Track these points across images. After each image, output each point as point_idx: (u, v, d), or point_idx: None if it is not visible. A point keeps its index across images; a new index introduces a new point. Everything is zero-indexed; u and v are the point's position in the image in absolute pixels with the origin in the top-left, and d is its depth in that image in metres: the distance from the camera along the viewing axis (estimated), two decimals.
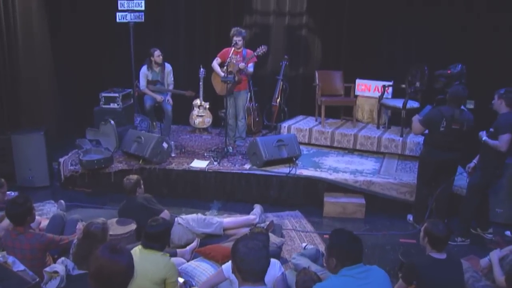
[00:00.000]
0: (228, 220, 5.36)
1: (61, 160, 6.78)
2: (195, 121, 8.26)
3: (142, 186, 5.33)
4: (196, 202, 6.39)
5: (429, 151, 5.53)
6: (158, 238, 3.82)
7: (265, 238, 4.07)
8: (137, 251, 3.81)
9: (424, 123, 5.47)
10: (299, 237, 5.49)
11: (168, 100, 7.65)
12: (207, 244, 4.82)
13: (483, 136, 5.12)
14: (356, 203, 6.06)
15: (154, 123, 7.94)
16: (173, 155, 6.95)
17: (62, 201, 5.77)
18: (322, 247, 5.13)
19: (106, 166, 6.58)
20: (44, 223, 4.98)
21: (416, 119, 5.61)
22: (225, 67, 6.94)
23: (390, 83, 7.66)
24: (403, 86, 7.44)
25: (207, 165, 6.57)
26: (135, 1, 7.76)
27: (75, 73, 8.30)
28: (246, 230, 5.11)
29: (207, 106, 8.22)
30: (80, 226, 4.37)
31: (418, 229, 5.55)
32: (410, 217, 5.94)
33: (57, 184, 6.84)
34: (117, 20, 7.76)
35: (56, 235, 4.33)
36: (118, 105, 7.41)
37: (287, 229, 5.66)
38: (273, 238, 4.87)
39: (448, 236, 3.58)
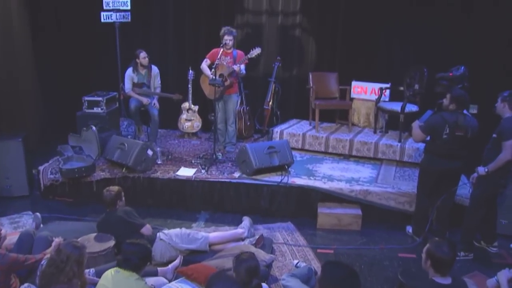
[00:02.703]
0: (214, 235, 5.01)
1: (41, 168, 6.45)
2: (184, 126, 7.92)
3: (123, 198, 4.99)
4: (182, 213, 6.09)
5: (430, 159, 5.20)
6: (136, 260, 3.55)
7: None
8: (109, 275, 3.50)
9: (425, 130, 5.13)
10: (290, 252, 5.15)
11: (154, 104, 7.30)
12: (192, 261, 4.55)
13: (481, 171, 4.79)
14: (352, 214, 5.72)
15: (141, 128, 7.63)
16: (159, 162, 6.61)
17: (38, 214, 5.42)
18: (315, 264, 4.84)
19: (88, 175, 6.24)
20: (14, 237, 4.64)
21: (416, 125, 5.26)
22: (213, 69, 6.57)
23: (388, 85, 7.38)
24: (401, 88, 7.15)
25: (194, 174, 6.23)
26: (120, 0, 7.48)
27: (59, 75, 8.00)
28: (233, 245, 4.89)
29: (196, 110, 7.88)
30: (57, 240, 4.05)
31: (418, 242, 5.31)
32: (409, 229, 5.61)
33: (37, 193, 6.50)
34: (102, 20, 7.50)
35: (20, 255, 3.98)
36: (102, 109, 7.08)
37: (278, 243, 5.32)
38: (262, 255, 4.58)
39: (453, 259, 3.28)
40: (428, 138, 5.23)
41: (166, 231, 4.90)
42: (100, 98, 7.08)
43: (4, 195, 6.32)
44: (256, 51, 6.75)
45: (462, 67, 6.19)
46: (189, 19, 8.39)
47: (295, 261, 4.78)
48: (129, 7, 7.60)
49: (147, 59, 7.18)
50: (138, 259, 3.59)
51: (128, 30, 7.91)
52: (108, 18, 7.50)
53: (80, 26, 8.06)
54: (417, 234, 5.42)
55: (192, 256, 4.71)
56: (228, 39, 6.77)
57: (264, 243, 5.00)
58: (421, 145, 6.01)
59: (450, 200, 5.27)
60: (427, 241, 4.99)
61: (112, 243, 4.55)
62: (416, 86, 6.83)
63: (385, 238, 5.54)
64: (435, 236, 5.20)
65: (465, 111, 5.04)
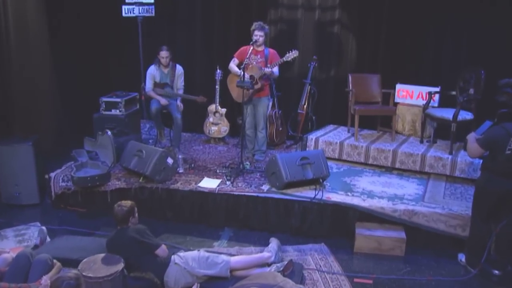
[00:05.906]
0: (237, 259, 4.45)
1: (52, 175, 5.98)
2: (210, 130, 7.39)
3: (136, 215, 4.48)
4: (204, 229, 5.56)
5: (488, 178, 4.49)
6: None
7: None
8: None
9: (484, 144, 4.43)
10: (323, 280, 4.52)
11: (178, 106, 6.77)
12: None
13: None
14: (395, 238, 5.04)
15: (162, 132, 7.15)
16: (180, 171, 6.08)
17: (43, 227, 4.99)
18: None
19: (102, 184, 5.76)
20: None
21: (472, 138, 4.56)
22: (241, 69, 6.02)
23: (437, 89, 6.69)
24: (453, 93, 6.46)
25: (217, 185, 5.67)
26: None
27: (77, 74, 7.55)
28: (258, 272, 4.34)
29: (224, 113, 7.34)
30: (46, 281, 3.51)
31: (473, 274, 4.59)
32: (461, 257, 4.89)
33: (49, 201, 6.07)
34: (123, 14, 7.14)
35: (13, 284, 3.50)
36: (120, 111, 6.62)
37: (309, 269, 4.69)
38: (290, 286, 3.96)
39: None
40: (486, 153, 4.53)
41: (181, 253, 4.37)
42: (118, 99, 6.62)
43: (13, 203, 5.93)
44: (292, 54, 6.17)
45: None
46: (218, 15, 7.88)
47: None
48: (152, 0, 7.18)
49: (166, 59, 6.67)
50: None
51: (152, 26, 7.52)
52: (130, 12, 7.10)
53: (100, 21, 7.66)
54: (472, 265, 4.69)
55: (211, 283, 4.23)
56: (258, 35, 6.24)
57: (293, 269, 4.45)
58: (477, 159, 5.27)
59: None
60: (484, 274, 4.34)
61: (120, 266, 4.04)
62: (471, 91, 6.14)
63: (433, 267, 4.85)
64: (494, 268, 4.59)
65: None
